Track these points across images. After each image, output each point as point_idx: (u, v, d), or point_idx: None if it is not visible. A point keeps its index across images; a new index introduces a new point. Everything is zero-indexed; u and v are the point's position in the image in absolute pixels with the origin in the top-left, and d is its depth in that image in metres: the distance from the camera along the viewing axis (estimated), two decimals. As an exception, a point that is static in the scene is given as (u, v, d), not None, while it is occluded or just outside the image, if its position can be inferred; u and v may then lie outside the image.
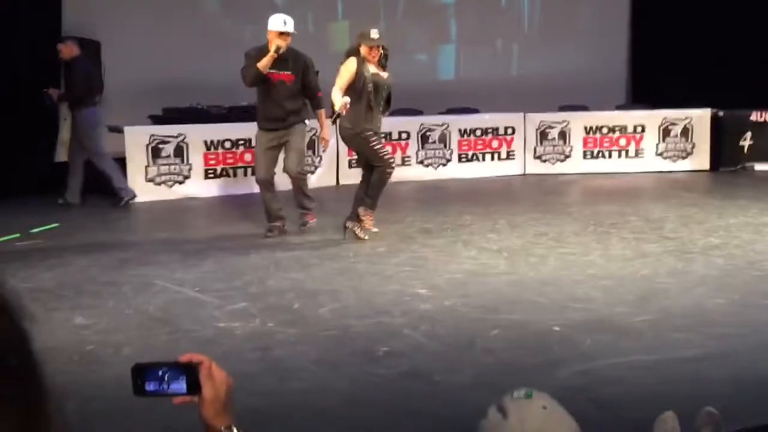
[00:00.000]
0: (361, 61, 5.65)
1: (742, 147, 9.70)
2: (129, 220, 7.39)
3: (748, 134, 9.66)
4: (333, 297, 4.48)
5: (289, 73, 5.83)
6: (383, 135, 6.08)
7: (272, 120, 5.91)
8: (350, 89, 5.60)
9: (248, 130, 8.73)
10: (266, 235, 6.02)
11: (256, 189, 8.71)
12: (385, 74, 5.76)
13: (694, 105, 9.72)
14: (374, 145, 5.73)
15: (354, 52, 5.74)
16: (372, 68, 5.68)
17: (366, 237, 5.85)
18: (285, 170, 6.06)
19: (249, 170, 8.66)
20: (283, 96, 5.84)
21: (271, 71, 5.76)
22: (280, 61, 5.73)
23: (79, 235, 6.34)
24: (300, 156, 6.06)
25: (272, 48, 5.68)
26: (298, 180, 6.06)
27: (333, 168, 9.18)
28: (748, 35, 10.40)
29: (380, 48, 5.68)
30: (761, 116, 9.61)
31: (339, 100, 5.43)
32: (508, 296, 4.45)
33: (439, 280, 4.80)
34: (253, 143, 6.57)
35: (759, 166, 9.59)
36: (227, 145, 8.56)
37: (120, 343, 3.77)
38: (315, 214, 6.28)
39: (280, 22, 5.78)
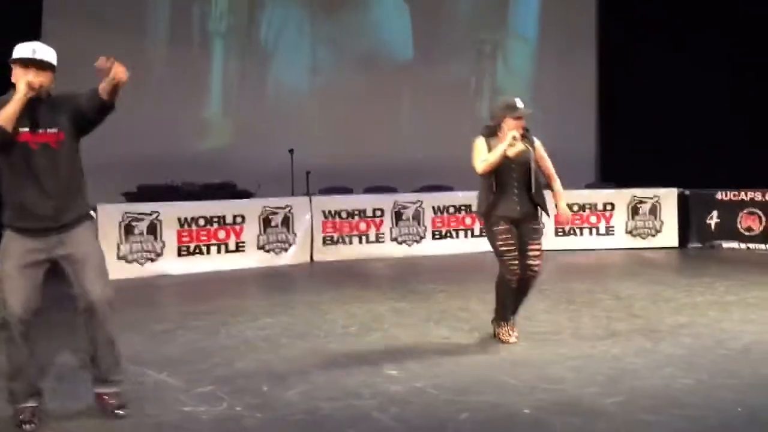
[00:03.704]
0: (489, 139, 5.05)
1: (709, 225, 9.92)
2: (98, 298, 7.28)
3: (715, 213, 9.90)
4: (302, 378, 4.42)
5: (55, 131, 3.53)
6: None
7: (35, 217, 3.55)
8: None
9: (223, 206, 8.79)
10: (22, 426, 3.60)
11: (230, 265, 8.86)
12: (523, 147, 5.05)
13: (660, 184, 9.99)
14: (499, 243, 5.03)
15: (494, 128, 5.08)
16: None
17: (512, 340, 5.16)
18: (86, 297, 3.64)
19: (223, 247, 8.66)
20: (49, 171, 3.52)
21: (23, 130, 3.47)
22: (35, 114, 3.48)
23: (44, 315, 6.21)
24: (102, 273, 3.71)
25: (21, 87, 3.42)
26: (105, 313, 3.63)
27: (307, 245, 9.21)
28: (711, 117, 10.79)
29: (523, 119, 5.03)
30: (726, 195, 9.87)
31: (503, 145, 4.88)
32: (478, 377, 4.42)
33: (410, 361, 4.76)
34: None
35: (726, 244, 9.80)
36: (201, 222, 8.57)
37: (81, 429, 3.66)
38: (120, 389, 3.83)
39: (27, 48, 3.51)
